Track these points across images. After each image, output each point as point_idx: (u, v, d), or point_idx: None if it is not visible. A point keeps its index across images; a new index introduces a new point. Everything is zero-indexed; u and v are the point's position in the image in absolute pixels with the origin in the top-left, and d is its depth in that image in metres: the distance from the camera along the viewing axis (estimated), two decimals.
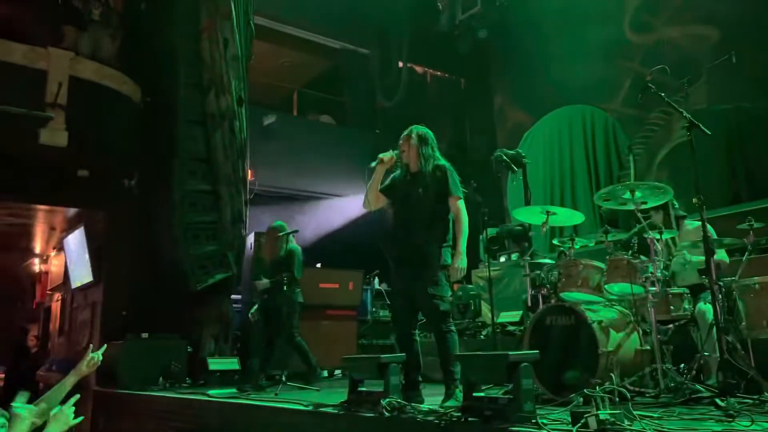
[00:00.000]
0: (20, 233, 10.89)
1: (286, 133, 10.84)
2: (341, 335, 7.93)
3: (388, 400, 3.40)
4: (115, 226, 8.37)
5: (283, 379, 5.84)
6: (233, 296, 8.01)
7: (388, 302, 6.57)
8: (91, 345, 3.86)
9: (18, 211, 9.35)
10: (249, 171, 8.22)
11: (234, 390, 5.63)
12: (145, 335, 6.98)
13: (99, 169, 7.75)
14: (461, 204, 4.06)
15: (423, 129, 4.21)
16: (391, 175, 4.32)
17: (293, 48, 12.09)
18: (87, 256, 8.71)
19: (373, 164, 4.18)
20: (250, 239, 8.05)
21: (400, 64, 12.28)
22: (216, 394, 5.39)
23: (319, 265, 8.64)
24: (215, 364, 6.97)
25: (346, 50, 12.37)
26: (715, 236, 4.35)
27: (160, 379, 6.63)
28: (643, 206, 4.18)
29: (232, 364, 7.10)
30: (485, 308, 7.55)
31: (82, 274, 9.07)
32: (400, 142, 4.21)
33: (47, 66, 6.92)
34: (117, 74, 7.61)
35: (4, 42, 6.71)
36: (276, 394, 5.07)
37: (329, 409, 3.89)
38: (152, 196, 8.05)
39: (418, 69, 12.99)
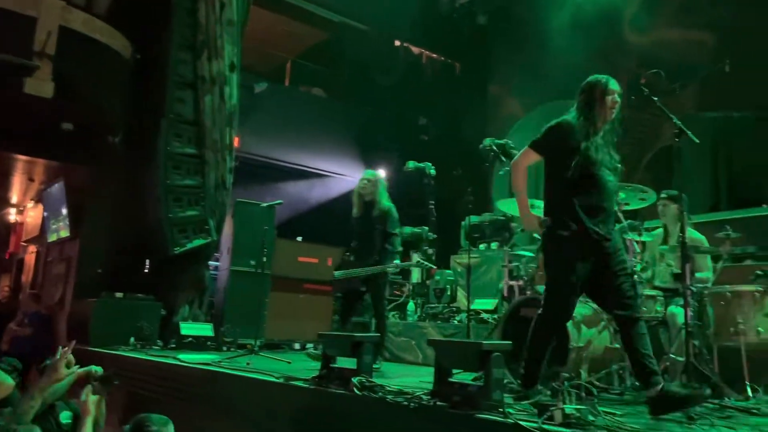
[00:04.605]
0: None
1: (276, 102, 10.74)
2: (317, 310, 7.97)
3: (359, 378, 3.44)
4: (96, 182, 8.28)
5: (256, 348, 5.87)
6: (211, 262, 7.98)
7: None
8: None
9: None
10: (236, 138, 8.14)
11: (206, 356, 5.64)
12: (119, 294, 6.95)
13: (84, 123, 7.62)
14: None
15: None
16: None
17: (290, 16, 11.91)
18: (65, 210, 8.62)
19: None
20: (233, 207, 8.00)
21: (397, 43, 12.18)
22: (186, 359, 5.39)
23: (300, 239, 8.64)
24: (188, 329, 6.96)
25: (344, 24, 12.22)
26: (706, 244, 4.42)
27: (132, 339, 6.62)
28: (626, 207, 4.22)
29: (205, 330, 7.09)
30: (461, 294, 7.61)
31: (59, 228, 8.98)
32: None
33: (37, 13, 6.75)
34: (107, 28, 7.45)
35: None
36: (248, 364, 5.08)
37: (300, 383, 3.92)
38: (136, 155, 7.95)
39: (415, 50, 12.91)
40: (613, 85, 3.53)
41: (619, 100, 3.53)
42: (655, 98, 3.97)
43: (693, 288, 3.90)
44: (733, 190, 8.08)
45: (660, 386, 3.13)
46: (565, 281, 3.36)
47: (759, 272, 4.05)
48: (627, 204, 4.24)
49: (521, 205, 3.65)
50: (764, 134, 7.87)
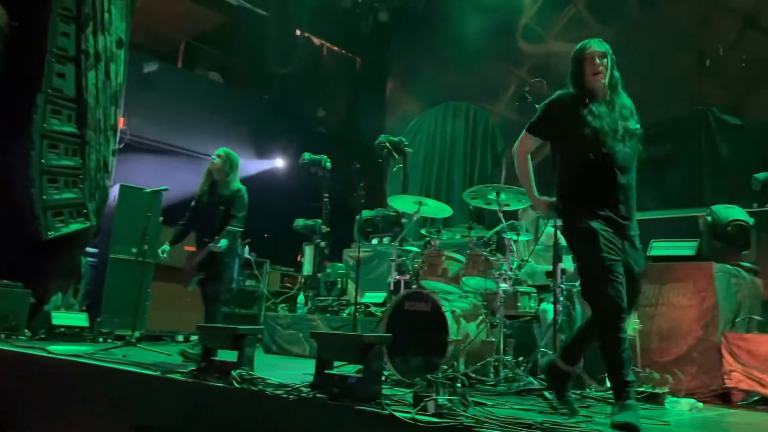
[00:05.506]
0: None
1: (167, 84, 10.29)
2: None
3: (239, 371, 3.39)
4: None
5: (134, 340, 5.64)
6: (89, 249, 7.54)
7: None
8: None
9: None
10: (121, 119, 7.72)
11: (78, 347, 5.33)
12: None
13: None
14: None
15: None
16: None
17: None
18: None
19: None
20: (115, 191, 7.59)
21: (298, 33, 12.04)
22: (57, 350, 5.07)
23: None
24: (60, 318, 6.55)
25: (242, 8, 11.89)
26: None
27: None
28: (506, 208, 4.43)
29: (79, 320, 6.70)
30: (352, 287, 7.67)
31: None
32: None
33: None
34: None
35: None
36: (124, 356, 4.87)
37: (178, 376, 3.81)
38: (8, 130, 7.33)
39: (316, 41, 12.81)
40: (591, 45, 3.31)
41: (600, 60, 3.27)
42: (537, 105, 4.17)
43: (563, 286, 4.17)
44: None
45: (554, 361, 3.25)
46: (599, 256, 2.89)
47: None
48: (507, 205, 4.46)
49: (528, 192, 3.50)
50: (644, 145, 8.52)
